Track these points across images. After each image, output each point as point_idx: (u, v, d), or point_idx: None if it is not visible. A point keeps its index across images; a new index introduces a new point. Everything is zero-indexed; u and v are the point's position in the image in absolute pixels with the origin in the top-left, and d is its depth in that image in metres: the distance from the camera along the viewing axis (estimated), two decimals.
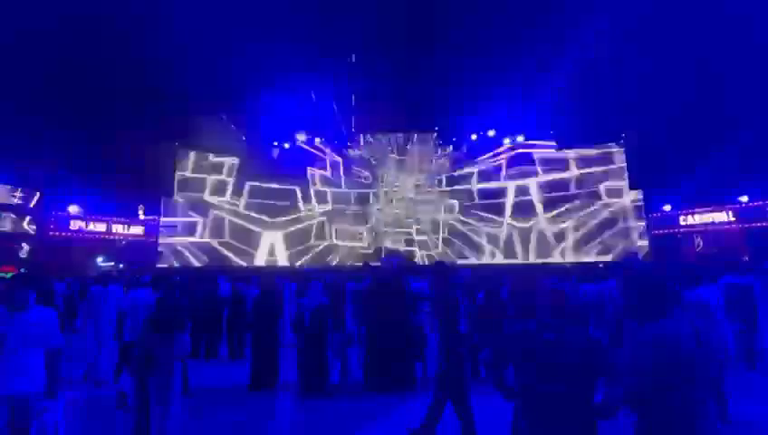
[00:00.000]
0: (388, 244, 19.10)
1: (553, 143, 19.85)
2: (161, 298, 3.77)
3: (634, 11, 15.28)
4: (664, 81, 16.52)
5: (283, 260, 19.02)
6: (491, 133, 20.14)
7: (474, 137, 20.33)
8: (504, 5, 16.57)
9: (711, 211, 21.06)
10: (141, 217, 20.07)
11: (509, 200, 19.57)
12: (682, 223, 22.00)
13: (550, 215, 19.23)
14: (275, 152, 20.55)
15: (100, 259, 18.81)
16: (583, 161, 19.92)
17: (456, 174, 20.21)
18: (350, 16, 17.21)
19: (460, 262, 17.75)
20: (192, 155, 20.06)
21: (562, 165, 19.89)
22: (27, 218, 16.34)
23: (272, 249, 19.14)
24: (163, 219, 18.91)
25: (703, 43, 14.60)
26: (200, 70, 17.33)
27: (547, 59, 17.24)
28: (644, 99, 16.94)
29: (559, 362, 1.86)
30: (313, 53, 17.24)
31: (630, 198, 19.58)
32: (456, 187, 19.99)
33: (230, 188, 19.80)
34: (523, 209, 19.38)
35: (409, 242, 19.42)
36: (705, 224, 21.37)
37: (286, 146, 20.82)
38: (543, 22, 16.52)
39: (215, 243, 18.99)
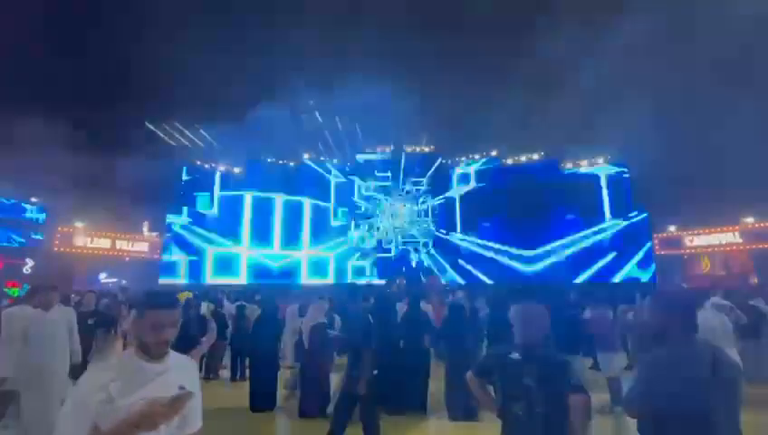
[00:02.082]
0: None
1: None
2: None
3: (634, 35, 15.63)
4: (667, 102, 16.73)
5: None
6: None
7: None
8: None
9: (717, 232, 20.87)
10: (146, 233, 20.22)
11: None
12: (688, 244, 21.78)
13: None
14: None
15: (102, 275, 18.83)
16: None
17: None
18: None
19: None
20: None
21: None
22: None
23: None
24: None
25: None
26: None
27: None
28: (645, 121, 17.11)
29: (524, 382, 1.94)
30: None
31: None
32: None
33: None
34: None
35: None
36: (712, 245, 21.14)
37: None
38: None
39: None
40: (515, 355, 2.00)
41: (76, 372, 3.90)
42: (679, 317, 1.82)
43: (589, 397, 1.90)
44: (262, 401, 5.41)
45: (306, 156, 22.47)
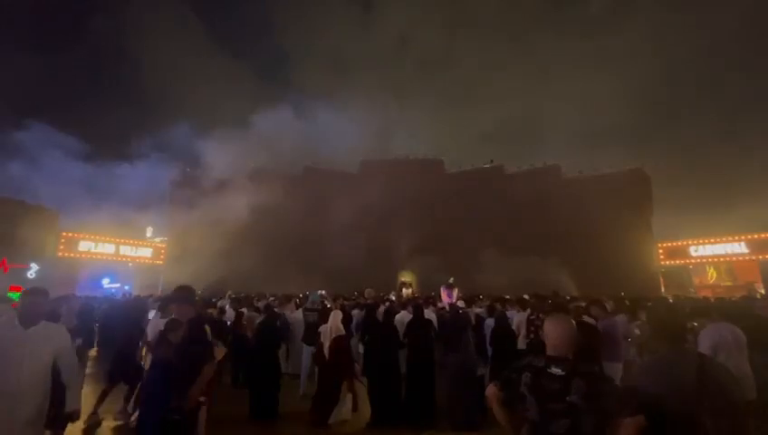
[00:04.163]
0: None
1: None
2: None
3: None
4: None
5: None
6: None
7: None
8: None
9: (723, 241, 20.68)
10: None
11: None
12: (693, 254, 21.59)
13: None
14: None
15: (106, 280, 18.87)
16: None
17: None
18: None
19: None
20: None
21: None
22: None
23: None
24: None
25: None
26: None
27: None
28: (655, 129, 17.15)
29: None
30: None
31: None
32: None
33: None
34: None
35: None
36: (718, 255, 20.94)
37: None
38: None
39: None
40: (556, 370, 1.87)
41: (59, 422, 2.92)
42: (665, 328, 1.96)
43: (643, 417, 1.74)
44: (262, 412, 5.36)
45: None
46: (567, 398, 1.78)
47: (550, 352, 1.97)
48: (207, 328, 3.52)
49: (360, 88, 45.73)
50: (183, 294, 3.52)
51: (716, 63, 35.13)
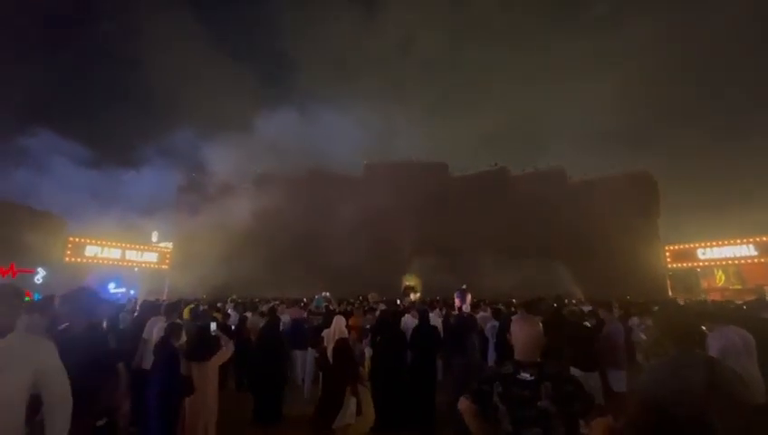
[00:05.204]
0: None
1: None
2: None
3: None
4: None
5: None
6: None
7: None
8: None
9: (731, 244, 20.43)
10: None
11: None
12: (701, 256, 21.33)
13: None
14: None
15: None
16: None
17: None
18: None
19: None
20: None
21: None
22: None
23: None
24: None
25: None
26: None
27: None
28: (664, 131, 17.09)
29: None
30: None
31: None
32: None
33: None
34: None
35: None
36: (726, 258, 20.68)
37: None
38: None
39: None
40: (525, 375, 1.79)
41: None
42: (673, 330, 1.95)
43: (612, 418, 1.73)
44: (266, 416, 5.35)
45: None
46: (538, 403, 1.71)
47: (518, 356, 1.89)
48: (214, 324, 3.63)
49: (363, 91, 45.96)
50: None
51: (722, 64, 34.94)
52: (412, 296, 16.88)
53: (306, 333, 6.91)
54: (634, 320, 6.91)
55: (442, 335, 5.92)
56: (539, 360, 1.85)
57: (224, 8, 57.09)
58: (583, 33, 42.89)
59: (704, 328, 3.96)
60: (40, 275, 16.22)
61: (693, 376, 1.74)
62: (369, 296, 11.48)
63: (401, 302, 12.72)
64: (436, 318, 6.75)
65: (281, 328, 6.37)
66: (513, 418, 1.75)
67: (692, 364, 1.80)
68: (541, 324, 1.97)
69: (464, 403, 1.91)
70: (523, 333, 1.90)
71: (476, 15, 46.83)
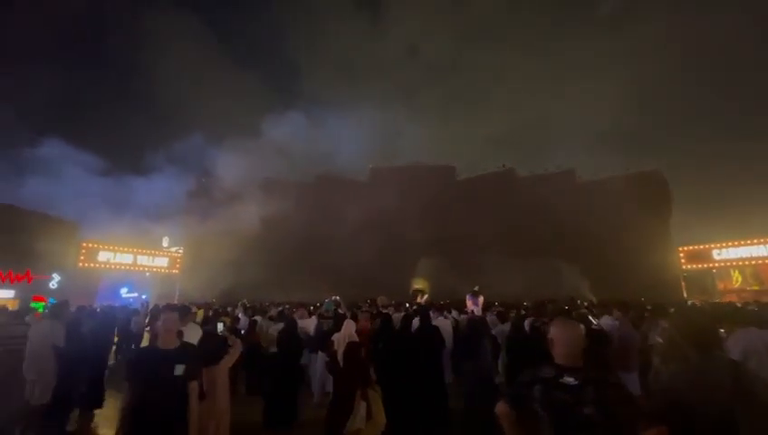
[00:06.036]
0: None
1: None
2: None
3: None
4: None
5: None
6: None
7: None
8: None
9: (747, 244, 19.98)
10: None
11: None
12: (716, 257, 20.88)
13: None
14: None
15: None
16: None
17: None
18: None
19: None
20: None
21: None
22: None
23: None
24: None
25: None
26: None
27: None
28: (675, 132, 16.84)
29: None
30: None
31: None
32: None
33: None
34: None
35: None
36: (742, 258, 20.21)
37: None
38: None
39: None
40: (569, 379, 1.70)
41: None
42: (695, 334, 1.88)
43: (666, 428, 1.61)
44: (277, 420, 5.33)
45: None
46: (584, 410, 1.63)
47: (559, 360, 1.82)
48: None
49: (369, 95, 46.13)
50: None
51: (732, 63, 34.31)
52: (419, 299, 16.79)
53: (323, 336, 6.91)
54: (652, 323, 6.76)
55: (453, 340, 5.86)
56: (582, 364, 1.78)
57: (231, 16, 57.98)
58: (591, 34, 42.55)
59: (722, 330, 3.86)
60: (55, 281, 16.50)
61: (720, 376, 1.70)
62: (378, 300, 11.43)
63: (410, 305, 12.65)
64: (444, 321, 6.68)
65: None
66: (555, 424, 1.68)
67: (717, 366, 1.77)
68: (582, 327, 1.93)
69: (502, 408, 1.85)
70: (565, 335, 1.84)
71: (483, 17, 46.82)
